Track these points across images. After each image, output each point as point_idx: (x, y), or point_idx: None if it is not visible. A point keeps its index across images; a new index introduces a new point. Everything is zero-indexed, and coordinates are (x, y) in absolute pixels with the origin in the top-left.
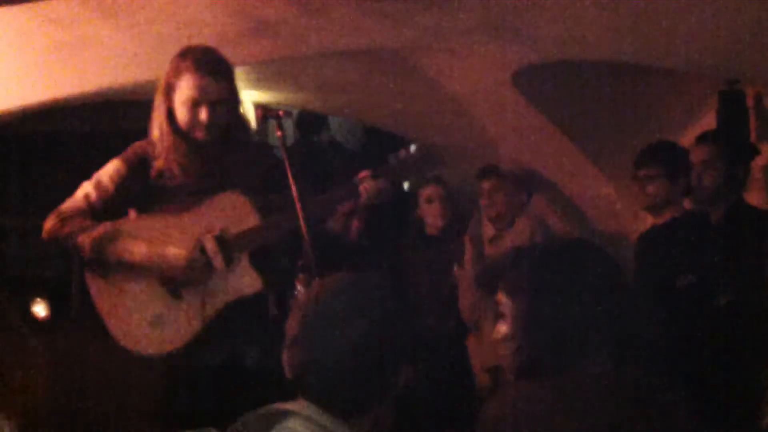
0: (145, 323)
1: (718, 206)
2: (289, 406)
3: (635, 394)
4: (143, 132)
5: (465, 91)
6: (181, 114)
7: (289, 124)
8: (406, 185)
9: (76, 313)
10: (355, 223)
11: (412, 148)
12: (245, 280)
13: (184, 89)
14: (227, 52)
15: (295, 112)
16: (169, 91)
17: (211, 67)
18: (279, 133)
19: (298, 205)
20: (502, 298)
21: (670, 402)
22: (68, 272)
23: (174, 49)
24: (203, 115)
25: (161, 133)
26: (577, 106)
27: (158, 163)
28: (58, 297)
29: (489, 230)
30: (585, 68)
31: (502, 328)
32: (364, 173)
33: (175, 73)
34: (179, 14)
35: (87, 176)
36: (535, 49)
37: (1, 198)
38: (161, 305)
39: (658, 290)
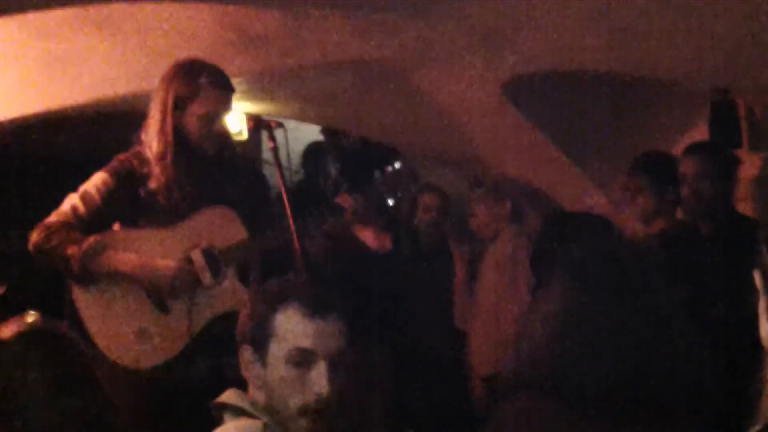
0: (131, 336)
1: (709, 217)
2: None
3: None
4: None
5: (456, 102)
6: (196, 128)
7: (281, 135)
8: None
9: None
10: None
11: (397, 164)
12: (232, 295)
13: (203, 104)
14: (219, 63)
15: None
16: (179, 106)
17: (227, 83)
18: (271, 144)
19: (290, 219)
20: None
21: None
22: (60, 287)
23: (166, 61)
24: (220, 127)
25: (164, 149)
26: (569, 116)
27: (151, 183)
28: (49, 311)
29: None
30: (577, 79)
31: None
32: (342, 195)
33: (192, 89)
34: (171, 27)
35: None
36: (525, 60)
37: None
38: (148, 319)
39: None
